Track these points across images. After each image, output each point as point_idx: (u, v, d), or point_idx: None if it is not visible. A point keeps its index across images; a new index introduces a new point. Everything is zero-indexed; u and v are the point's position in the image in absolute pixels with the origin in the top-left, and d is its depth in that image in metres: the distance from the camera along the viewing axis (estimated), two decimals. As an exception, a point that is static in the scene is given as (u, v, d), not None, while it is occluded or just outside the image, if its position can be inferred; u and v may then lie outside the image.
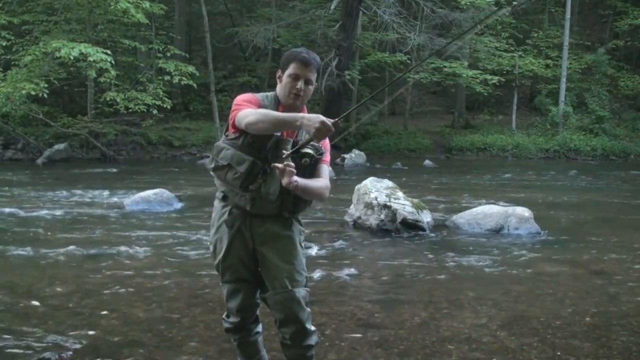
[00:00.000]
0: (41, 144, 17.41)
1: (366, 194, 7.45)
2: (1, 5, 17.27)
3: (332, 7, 19.64)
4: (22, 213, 8.13)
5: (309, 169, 2.52)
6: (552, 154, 21.05)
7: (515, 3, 21.93)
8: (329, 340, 3.61)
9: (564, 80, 22.25)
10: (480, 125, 23.72)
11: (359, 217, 7.42)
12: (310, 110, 2.64)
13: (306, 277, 2.67)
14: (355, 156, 17.63)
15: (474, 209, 7.78)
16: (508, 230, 7.20)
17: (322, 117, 2.29)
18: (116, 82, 16.79)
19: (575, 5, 26.13)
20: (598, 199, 10.83)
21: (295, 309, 2.57)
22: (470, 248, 6.40)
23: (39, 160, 16.16)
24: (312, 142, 2.41)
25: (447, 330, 3.83)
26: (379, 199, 7.23)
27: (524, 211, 7.41)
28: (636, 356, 3.51)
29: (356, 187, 7.89)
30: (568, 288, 4.91)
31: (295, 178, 2.36)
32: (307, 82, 2.57)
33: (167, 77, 17.11)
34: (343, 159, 17.31)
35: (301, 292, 2.59)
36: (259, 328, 2.84)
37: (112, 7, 15.52)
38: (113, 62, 15.14)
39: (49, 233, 6.85)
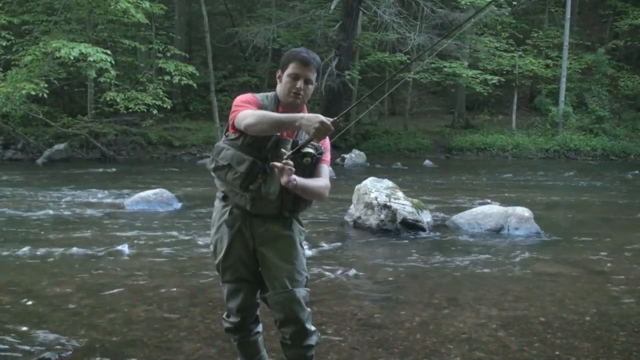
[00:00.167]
0: (41, 144, 17.41)
1: (366, 194, 7.45)
2: (1, 5, 17.27)
3: (332, 7, 19.64)
4: (22, 213, 8.13)
5: (309, 168, 2.53)
6: (552, 154, 21.06)
7: (515, 3, 21.97)
8: (329, 340, 3.61)
9: (564, 80, 22.26)
10: (480, 125, 23.73)
11: (359, 217, 7.42)
12: (310, 110, 2.64)
13: (306, 277, 2.67)
14: (355, 156, 17.63)
15: (474, 209, 7.78)
16: (508, 230, 7.20)
17: (321, 117, 2.29)
18: (116, 82, 16.80)
19: (575, 5, 26.14)
20: (598, 199, 10.83)
21: (295, 309, 2.57)
22: (470, 248, 6.40)
23: (39, 160, 16.16)
24: (312, 142, 2.41)
25: (447, 330, 3.83)
26: (379, 199, 7.24)
27: (524, 211, 7.41)
28: (636, 356, 3.51)
29: (356, 187, 7.89)
30: (568, 288, 4.91)
31: (294, 177, 2.36)
32: (307, 81, 2.57)
33: (167, 77, 17.11)
34: (343, 159, 17.31)
35: (301, 292, 2.59)
36: (259, 328, 2.84)
37: (112, 7, 15.52)
38: (113, 62, 15.14)
39: (49, 233, 6.85)
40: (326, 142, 2.62)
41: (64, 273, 5.13)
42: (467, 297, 4.61)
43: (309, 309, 2.63)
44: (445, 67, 20.40)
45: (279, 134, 2.50)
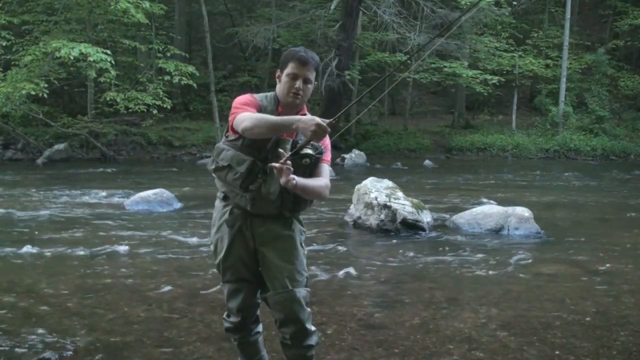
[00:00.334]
0: (41, 144, 17.42)
1: (366, 194, 7.45)
2: (1, 5, 17.27)
3: (332, 7, 19.64)
4: (22, 213, 8.13)
5: (310, 168, 2.53)
6: (552, 154, 21.06)
7: (515, 3, 21.98)
8: (329, 340, 3.61)
9: (564, 80, 22.26)
10: (480, 125, 23.73)
11: (359, 217, 7.42)
12: (310, 110, 2.64)
13: (307, 277, 2.67)
14: (355, 156, 17.64)
15: (474, 209, 7.78)
16: (508, 230, 7.20)
17: (317, 120, 2.29)
18: (116, 82, 16.79)
19: (575, 5, 26.14)
20: (598, 199, 10.83)
21: (295, 309, 2.57)
22: (470, 248, 6.39)
23: (39, 160, 16.17)
24: (311, 142, 2.41)
25: (447, 330, 3.83)
26: (379, 199, 7.24)
27: (524, 211, 7.41)
28: (636, 356, 3.51)
29: (356, 187, 7.89)
30: (568, 288, 4.90)
31: (293, 177, 2.36)
32: (306, 81, 2.57)
33: (167, 77, 17.11)
34: (343, 159, 17.32)
35: (301, 292, 2.60)
36: (259, 328, 2.84)
37: (112, 7, 15.52)
38: (113, 62, 15.13)
39: (49, 233, 6.85)
40: (326, 142, 2.61)
41: (64, 273, 5.13)
42: (467, 297, 4.61)
43: (309, 309, 2.63)
44: (445, 67, 20.41)
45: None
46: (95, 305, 4.27)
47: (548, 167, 17.92)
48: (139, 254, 5.91)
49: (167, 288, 4.71)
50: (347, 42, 19.59)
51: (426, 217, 7.31)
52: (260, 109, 2.57)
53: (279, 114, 2.57)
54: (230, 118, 2.56)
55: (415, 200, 7.53)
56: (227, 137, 2.62)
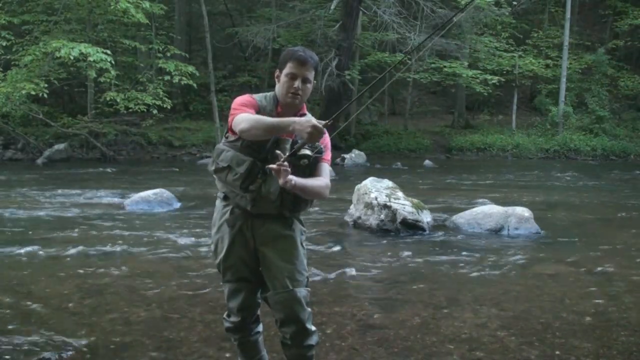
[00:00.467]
0: (41, 144, 17.42)
1: (366, 194, 7.45)
2: (1, 5, 17.27)
3: (332, 7, 19.64)
4: (22, 213, 8.13)
5: (309, 168, 2.53)
6: (552, 154, 21.07)
7: (515, 3, 21.98)
8: (329, 340, 3.61)
9: (564, 80, 22.27)
10: (480, 125, 23.74)
11: (359, 217, 7.42)
12: (310, 110, 2.64)
13: (307, 277, 2.67)
14: (355, 156, 17.64)
15: (474, 209, 7.78)
16: (508, 230, 7.20)
17: (313, 121, 2.30)
18: (116, 82, 16.80)
19: (575, 5, 26.15)
20: (598, 199, 10.83)
21: (295, 308, 2.57)
22: (470, 248, 6.39)
23: (39, 160, 16.17)
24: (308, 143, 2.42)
25: (447, 330, 3.83)
26: (379, 199, 7.23)
27: (524, 211, 7.41)
28: (636, 356, 3.51)
29: (356, 187, 7.89)
30: (568, 288, 4.90)
31: (292, 178, 2.36)
32: (305, 80, 2.57)
33: (167, 77, 17.11)
34: (343, 159, 17.32)
35: (302, 292, 2.60)
36: (260, 328, 2.84)
37: (112, 7, 15.52)
38: (113, 62, 15.13)
39: (49, 233, 6.85)
40: (327, 141, 2.62)
41: (64, 273, 5.13)
42: (467, 297, 4.61)
43: (309, 309, 2.63)
44: (445, 67, 20.41)
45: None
46: (95, 305, 4.27)
47: (548, 167, 17.92)
48: (139, 254, 5.91)
49: (167, 288, 4.71)
50: (347, 42, 19.59)
51: (426, 217, 7.31)
52: (259, 110, 2.57)
53: (278, 114, 2.57)
54: (229, 119, 2.57)
55: (415, 200, 7.53)
56: (227, 138, 2.62)
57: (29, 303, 4.29)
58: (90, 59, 14.39)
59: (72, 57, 14.30)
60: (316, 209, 8.24)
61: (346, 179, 12.72)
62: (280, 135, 2.49)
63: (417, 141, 21.40)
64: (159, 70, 18.10)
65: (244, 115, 2.48)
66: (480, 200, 9.66)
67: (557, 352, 3.49)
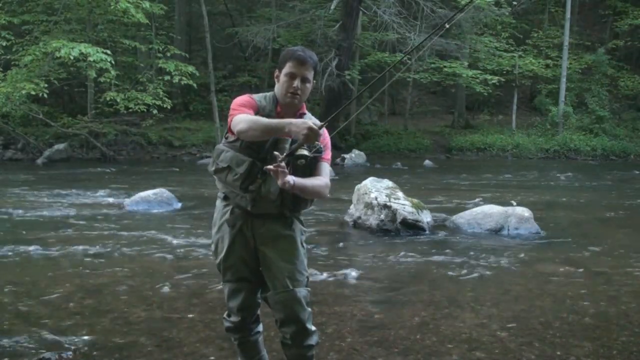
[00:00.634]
0: (41, 144, 17.42)
1: (366, 194, 7.45)
2: (1, 5, 17.27)
3: (332, 7, 19.63)
4: (22, 213, 8.13)
5: (309, 167, 2.53)
6: (552, 154, 21.07)
7: (515, 3, 21.98)
8: (329, 340, 3.61)
9: (564, 80, 22.27)
10: (480, 125, 23.74)
11: (359, 217, 7.42)
12: (311, 110, 2.64)
13: (307, 277, 2.67)
14: (355, 156, 17.64)
15: (474, 209, 7.77)
16: (508, 230, 7.20)
17: (309, 123, 2.31)
18: (116, 82, 16.80)
19: (575, 5, 26.14)
20: (598, 199, 10.83)
21: (296, 308, 2.57)
22: (470, 248, 6.39)
23: (39, 160, 16.17)
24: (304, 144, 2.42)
25: (447, 330, 3.83)
26: (379, 199, 7.23)
27: (523, 211, 7.41)
28: (636, 356, 3.51)
29: (356, 187, 7.88)
30: (568, 288, 4.90)
31: (290, 178, 2.37)
32: (304, 80, 2.57)
33: (167, 77, 17.11)
34: (343, 159, 17.32)
35: (302, 292, 2.60)
36: (260, 328, 2.84)
37: (112, 7, 15.53)
38: (113, 62, 15.14)
39: (49, 233, 6.85)
40: (327, 140, 2.62)
41: (64, 273, 5.13)
42: (467, 297, 4.61)
43: (309, 309, 2.63)
44: (445, 67, 20.41)
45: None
46: (95, 305, 4.27)
47: (548, 167, 17.92)
48: (139, 253, 5.91)
49: (167, 288, 4.71)
50: (347, 42, 19.59)
51: (426, 217, 7.31)
52: (258, 110, 2.57)
53: (278, 114, 2.57)
54: (228, 120, 2.57)
55: (415, 200, 7.52)
56: (226, 138, 2.63)
57: (29, 303, 4.29)
58: (90, 59, 14.40)
59: (72, 57, 14.30)
60: (316, 209, 8.24)
61: (346, 179, 12.72)
62: (275, 136, 2.49)
63: (417, 141, 21.40)
64: (159, 70, 18.10)
65: (242, 116, 2.48)
66: (480, 200, 9.65)
67: (557, 352, 3.49)
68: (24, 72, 15.15)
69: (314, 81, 2.63)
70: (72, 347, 3.45)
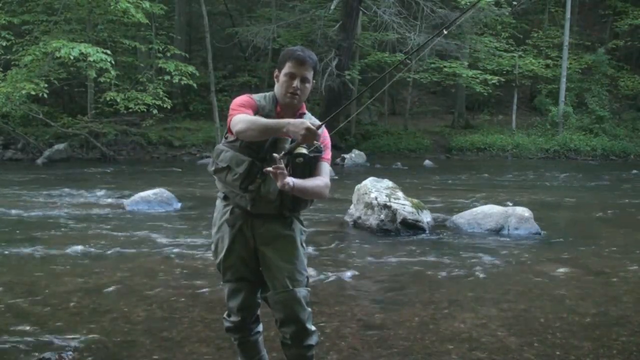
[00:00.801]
0: (41, 144, 17.41)
1: (366, 194, 7.45)
2: (1, 5, 17.27)
3: (332, 7, 19.63)
4: (22, 213, 8.13)
5: (309, 167, 2.53)
6: (552, 154, 21.05)
7: (515, 3, 21.97)
8: (329, 340, 3.61)
9: (564, 80, 22.25)
10: (480, 125, 23.72)
11: (359, 217, 7.42)
12: (311, 110, 2.64)
13: (307, 277, 2.67)
14: (355, 156, 17.63)
15: (474, 209, 7.77)
16: (508, 230, 7.20)
17: (307, 123, 2.31)
18: (116, 82, 16.79)
19: (575, 5, 26.13)
20: (598, 199, 10.83)
21: (295, 308, 2.57)
22: (470, 248, 6.39)
23: (39, 160, 16.16)
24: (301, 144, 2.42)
25: (447, 330, 3.83)
26: (379, 199, 7.23)
27: (524, 211, 7.41)
28: (636, 356, 3.51)
29: (356, 187, 7.88)
30: (568, 288, 4.91)
31: (289, 179, 2.37)
32: (304, 80, 2.57)
33: (167, 77, 17.09)
34: (343, 159, 17.31)
35: (302, 292, 2.60)
36: (260, 328, 2.84)
37: (112, 7, 15.52)
38: (113, 62, 15.12)
39: (49, 233, 6.85)
40: (327, 140, 2.63)
41: (64, 273, 5.13)
42: (467, 297, 4.61)
43: (309, 309, 2.63)
44: (445, 67, 20.40)
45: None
46: (95, 305, 4.27)
47: (548, 167, 17.92)
48: (139, 253, 5.91)
49: (167, 288, 4.71)
50: (347, 42, 19.58)
51: (426, 217, 7.31)
52: (258, 110, 2.57)
53: (277, 114, 2.58)
54: (228, 120, 2.58)
55: (415, 200, 7.52)
56: (226, 138, 2.63)
57: (29, 303, 4.29)
58: (90, 59, 14.39)
59: (72, 57, 14.29)
60: (316, 209, 8.24)
61: (346, 179, 12.71)
62: (273, 136, 2.49)
63: (417, 141, 21.39)
64: (159, 70, 18.09)
65: (241, 116, 2.48)
66: (480, 200, 9.65)
67: (557, 352, 3.49)
68: (24, 72, 15.14)
69: (314, 81, 2.64)
70: (72, 347, 3.45)
